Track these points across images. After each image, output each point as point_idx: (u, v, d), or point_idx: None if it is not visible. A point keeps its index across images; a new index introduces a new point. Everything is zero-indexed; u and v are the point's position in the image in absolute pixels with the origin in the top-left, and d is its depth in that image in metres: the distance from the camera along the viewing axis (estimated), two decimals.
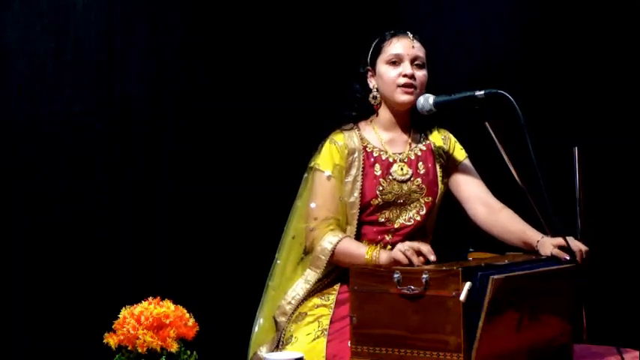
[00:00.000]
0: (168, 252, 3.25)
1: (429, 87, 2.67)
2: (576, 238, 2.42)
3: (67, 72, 3.13)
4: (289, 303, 2.63)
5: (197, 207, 3.31)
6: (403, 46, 2.67)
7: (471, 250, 2.53)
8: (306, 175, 2.72)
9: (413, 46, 2.67)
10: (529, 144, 2.33)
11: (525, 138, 2.33)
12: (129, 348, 2.08)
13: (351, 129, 2.71)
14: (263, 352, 2.61)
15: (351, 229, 2.64)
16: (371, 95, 2.71)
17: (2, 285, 3.01)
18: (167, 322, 2.09)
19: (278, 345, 2.59)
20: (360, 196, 2.63)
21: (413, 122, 2.74)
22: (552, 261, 2.36)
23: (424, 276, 2.12)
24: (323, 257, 2.58)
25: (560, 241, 2.40)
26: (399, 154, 2.70)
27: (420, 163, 2.70)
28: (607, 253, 2.69)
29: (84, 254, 3.13)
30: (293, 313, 2.61)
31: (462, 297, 2.06)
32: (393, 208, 2.65)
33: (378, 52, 2.70)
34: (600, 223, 3.42)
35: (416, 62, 2.66)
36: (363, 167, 2.65)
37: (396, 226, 2.65)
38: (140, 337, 2.06)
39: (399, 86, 2.64)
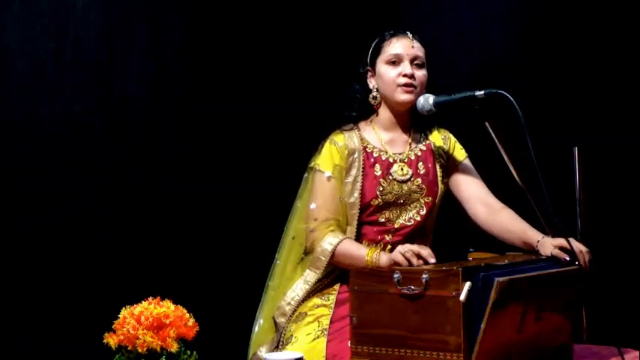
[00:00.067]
0: (168, 252, 3.25)
1: (429, 87, 2.67)
2: (576, 239, 2.42)
3: (67, 72, 3.13)
4: (289, 304, 2.63)
5: (197, 207, 3.31)
6: (403, 46, 2.67)
7: (471, 250, 2.53)
8: (306, 175, 2.72)
9: (412, 46, 2.67)
10: (529, 144, 2.33)
11: (525, 138, 2.33)
12: (129, 348, 2.08)
13: (351, 129, 2.71)
14: (263, 352, 2.61)
15: (351, 229, 2.64)
16: (371, 95, 2.71)
17: (2, 285, 3.01)
18: (167, 322, 2.09)
19: (278, 345, 2.59)
20: (360, 196, 2.63)
21: (413, 122, 2.74)
22: (552, 261, 2.36)
23: (424, 276, 2.12)
24: (323, 258, 2.58)
25: (560, 241, 2.40)
26: (399, 154, 2.70)
27: (420, 163, 2.70)
28: (607, 253, 2.69)
29: (84, 254, 3.13)
30: (293, 313, 2.61)
31: (462, 297, 2.06)
32: (393, 208, 2.65)
33: (377, 52, 2.70)
34: (600, 223, 3.42)
35: (415, 62, 2.66)
36: (363, 167, 2.65)
37: (396, 226, 2.65)
38: (140, 337, 2.06)
39: (399, 86, 2.64)
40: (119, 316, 2.11)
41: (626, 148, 3.56)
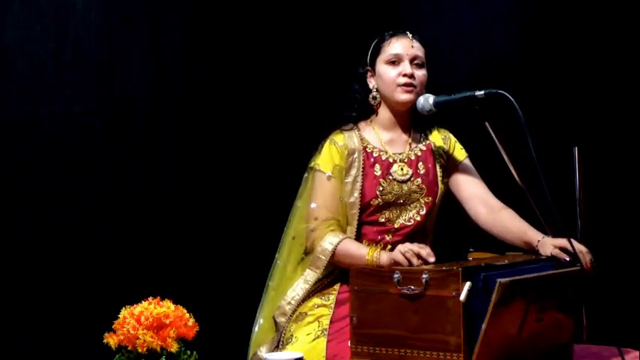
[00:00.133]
0: (168, 252, 3.25)
1: (429, 87, 2.67)
2: (576, 239, 2.42)
3: (67, 72, 3.13)
4: (289, 303, 2.63)
5: (197, 207, 3.31)
6: (402, 45, 2.67)
7: (471, 250, 2.53)
8: (306, 175, 2.72)
9: (412, 46, 2.67)
10: (529, 144, 2.32)
11: (526, 138, 2.33)
12: (129, 348, 2.08)
13: (351, 129, 2.71)
14: (263, 352, 2.61)
15: (352, 229, 2.64)
16: (371, 95, 2.71)
17: (2, 285, 3.01)
18: (167, 322, 2.09)
19: (278, 345, 2.59)
20: (360, 196, 2.63)
21: (413, 122, 2.75)
22: (552, 261, 2.36)
23: (424, 276, 2.12)
24: (323, 258, 2.58)
25: (561, 242, 2.40)
26: (399, 154, 2.70)
27: (420, 163, 2.70)
28: (607, 253, 2.69)
29: (84, 254, 3.13)
30: (293, 313, 2.61)
31: (462, 297, 2.06)
32: (393, 208, 2.65)
33: (377, 52, 2.70)
34: (600, 223, 3.42)
35: (415, 62, 2.66)
36: (363, 167, 2.65)
37: (396, 226, 2.65)
38: (140, 337, 2.06)
39: (398, 86, 2.64)
40: (119, 316, 2.12)
41: (626, 148, 3.56)
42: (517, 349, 2.16)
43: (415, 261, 2.31)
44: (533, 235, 2.52)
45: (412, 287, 2.13)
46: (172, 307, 2.14)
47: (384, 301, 2.17)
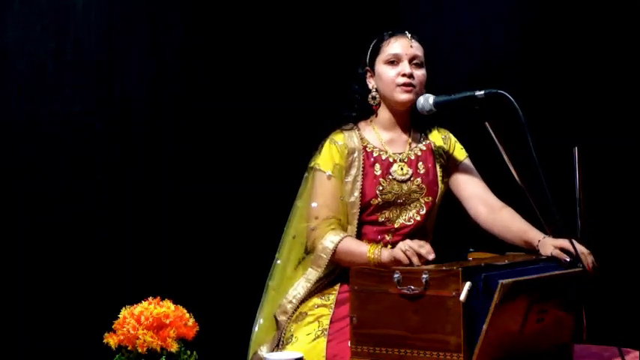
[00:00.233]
0: (169, 252, 3.25)
1: (428, 87, 2.67)
2: (576, 239, 2.42)
3: (67, 72, 3.13)
4: (290, 302, 2.63)
5: (197, 207, 3.31)
6: (401, 45, 2.67)
7: (471, 250, 2.53)
8: (306, 175, 2.72)
9: (411, 46, 2.67)
10: (530, 144, 2.32)
11: (526, 137, 2.33)
12: (129, 348, 2.08)
13: (351, 129, 2.71)
14: (263, 351, 2.61)
15: (352, 228, 2.64)
16: (370, 96, 2.71)
17: (2, 285, 3.01)
18: (167, 322, 2.09)
19: (278, 344, 2.59)
20: (360, 195, 2.63)
21: (413, 122, 2.75)
22: (553, 262, 2.36)
23: (424, 276, 2.12)
24: (324, 256, 2.58)
25: (561, 242, 2.40)
26: (399, 154, 2.70)
27: (420, 163, 2.70)
28: (607, 253, 2.69)
29: (84, 254, 3.13)
30: (294, 312, 2.61)
31: (462, 297, 2.06)
32: (393, 207, 2.65)
33: (376, 52, 2.70)
34: (600, 223, 3.42)
35: (414, 61, 2.66)
36: (363, 167, 2.65)
37: (396, 225, 2.65)
38: (140, 337, 2.06)
39: (398, 85, 2.64)
40: (119, 316, 2.11)
41: (626, 148, 3.56)
42: (517, 349, 2.16)
43: (415, 260, 2.31)
44: (533, 235, 2.52)
45: (412, 287, 2.13)
46: (172, 307, 2.14)
47: (384, 301, 2.17)
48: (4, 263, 3.02)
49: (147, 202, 3.25)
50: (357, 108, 2.73)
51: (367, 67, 2.73)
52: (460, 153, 2.77)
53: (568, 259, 2.35)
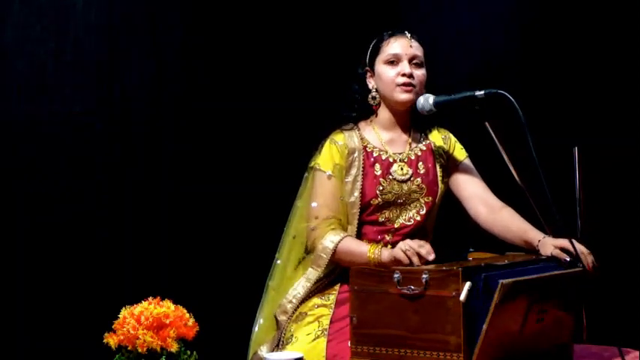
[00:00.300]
0: (169, 252, 3.25)
1: (428, 87, 2.67)
2: (577, 239, 2.42)
3: (67, 72, 3.13)
4: (290, 302, 2.63)
5: (197, 207, 3.31)
6: (401, 45, 2.67)
7: (471, 250, 2.53)
8: (306, 175, 2.72)
9: (411, 46, 2.67)
10: (530, 143, 2.32)
11: (526, 137, 2.33)
12: (129, 348, 2.08)
13: (351, 129, 2.71)
14: (264, 351, 2.61)
15: (352, 228, 2.64)
16: (370, 96, 2.71)
17: (2, 285, 3.01)
18: (167, 322, 2.09)
19: (278, 344, 2.59)
20: (361, 195, 2.63)
21: (413, 122, 2.75)
22: (553, 262, 2.36)
23: (424, 276, 2.12)
24: (324, 256, 2.58)
25: (561, 242, 2.40)
26: (399, 154, 2.70)
27: (420, 163, 2.70)
28: (607, 253, 2.69)
29: (84, 254, 3.13)
30: (294, 311, 2.61)
31: (462, 297, 2.06)
32: (393, 207, 2.65)
33: (376, 52, 2.71)
34: (600, 223, 3.42)
35: (414, 61, 2.66)
36: (363, 167, 2.65)
37: (396, 225, 2.65)
38: (140, 337, 2.06)
39: (398, 85, 2.64)
40: (119, 316, 2.11)
41: (626, 148, 3.56)
42: (517, 349, 2.16)
43: (416, 259, 2.31)
44: (533, 234, 2.52)
45: (412, 287, 2.13)
46: (172, 307, 2.14)
47: (384, 301, 2.17)
48: (4, 263, 3.02)
49: (147, 202, 3.25)
50: (357, 108, 2.73)
51: (367, 67, 2.73)
52: (460, 153, 2.77)
53: (568, 259, 2.34)
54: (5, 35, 3.05)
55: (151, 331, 2.07)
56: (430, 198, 2.68)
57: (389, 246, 2.58)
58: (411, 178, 2.67)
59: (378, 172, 2.65)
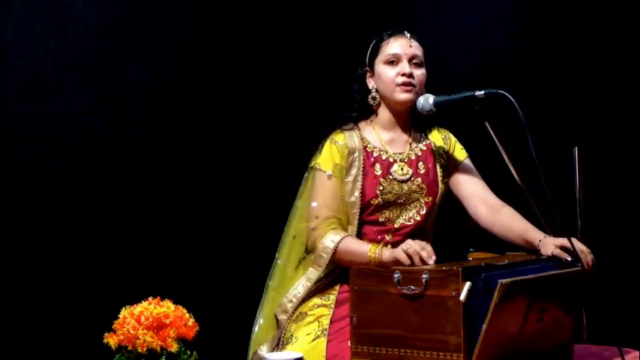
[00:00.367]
0: (169, 252, 3.25)
1: (428, 87, 2.67)
2: (576, 238, 2.42)
3: (67, 72, 3.13)
4: (290, 301, 2.63)
5: (197, 207, 3.31)
6: (400, 45, 2.67)
7: (471, 250, 2.53)
8: (306, 174, 2.72)
9: (410, 45, 2.67)
10: (530, 143, 2.32)
11: (526, 137, 2.33)
12: (129, 348, 2.08)
13: (352, 129, 2.71)
14: (264, 351, 2.61)
15: (352, 228, 2.64)
16: (370, 96, 2.71)
17: (2, 285, 3.01)
18: (167, 322, 2.09)
19: (278, 344, 2.59)
20: (361, 195, 2.63)
21: (413, 122, 2.75)
22: (553, 261, 2.36)
23: (424, 276, 2.12)
24: (325, 255, 2.58)
25: (562, 241, 2.40)
26: (400, 153, 2.70)
27: (421, 163, 2.70)
28: (607, 253, 2.69)
29: (84, 254, 3.13)
30: (294, 311, 2.61)
31: (462, 297, 2.06)
32: (394, 207, 2.65)
33: (375, 52, 2.71)
34: (600, 223, 3.42)
35: (414, 61, 2.66)
36: (363, 167, 2.65)
37: (396, 225, 2.65)
38: (140, 337, 2.06)
39: (397, 85, 2.64)
40: (119, 316, 2.11)
41: (626, 148, 3.56)
42: (517, 349, 2.16)
43: (417, 259, 2.31)
44: (534, 234, 2.52)
45: (412, 287, 2.13)
46: (172, 307, 2.14)
47: (384, 301, 2.17)
48: (4, 263, 3.02)
49: (147, 202, 3.24)
50: (357, 108, 2.74)
51: (367, 68, 2.73)
52: (460, 153, 2.77)
53: (569, 259, 2.34)
54: (5, 35, 3.04)
55: (151, 331, 2.07)
56: (430, 198, 2.68)
57: (389, 246, 2.59)
58: (412, 178, 2.67)
59: (379, 172, 2.65)
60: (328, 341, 2.49)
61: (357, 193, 2.64)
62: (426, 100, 2.62)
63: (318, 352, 2.47)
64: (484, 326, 2.03)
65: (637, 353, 2.48)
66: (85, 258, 3.13)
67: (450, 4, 3.86)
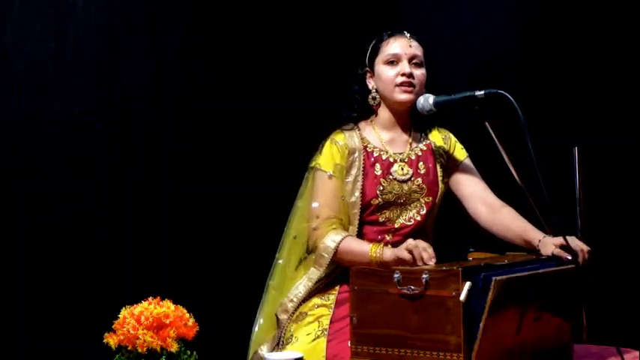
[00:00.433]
0: (169, 252, 3.25)
1: (428, 87, 2.67)
2: (577, 238, 2.42)
3: (67, 72, 3.13)
4: (291, 301, 2.63)
5: (197, 207, 3.31)
6: (400, 45, 2.67)
7: (471, 250, 2.53)
8: (307, 175, 2.72)
9: (410, 45, 2.67)
10: (529, 144, 2.33)
11: (525, 138, 2.33)
12: (129, 348, 2.08)
13: (352, 129, 2.71)
14: (264, 350, 2.61)
15: (353, 229, 2.64)
16: (370, 96, 2.71)
17: (2, 285, 3.01)
18: (167, 322, 2.09)
19: (278, 344, 2.59)
20: (361, 195, 2.63)
21: (413, 122, 2.75)
22: (553, 261, 2.36)
23: (424, 276, 2.12)
24: (326, 255, 2.58)
25: (562, 241, 2.40)
26: (400, 153, 2.70)
27: (421, 163, 2.70)
28: (607, 253, 2.69)
29: (84, 254, 3.13)
30: (294, 311, 2.61)
31: (462, 297, 2.06)
32: (394, 207, 2.65)
33: (375, 52, 2.71)
34: (600, 223, 3.42)
35: (414, 61, 2.66)
36: (363, 167, 2.65)
37: (396, 225, 2.65)
38: (140, 337, 2.06)
39: (397, 85, 2.64)
40: (119, 316, 2.11)
41: (626, 148, 3.56)
42: (517, 349, 2.16)
43: (419, 258, 2.31)
44: (534, 234, 2.52)
45: (412, 287, 2.13)
46: (172, 307, 2.14)
47: (384, 301, 2.17)
48: (4, 263, 3.02)
49: (147, 202, 3.24)
50: (357, 108, 2.74)
51: (367, 68, 2.73)
52: (460, 153, 2.77)
53: (570, 258, 2.34)
54: (5, 35, 3.05)
55: (151, 331, 2.07)
56: (430, 198, 2.68)
57: (389, 246, 2.58)
58: (412, 178, 2.67)
59: (379, 172, 2.65)
60: (328, 341, 2.49)
61: (357, 193, 2.64)
62: (426, 100, 2.62)
63: (318, 352, 2.47)
64: (481, 324, 2.03)
65: (637, 353, 2.47)
66: (85, 258, 3.13)
67: (450, 4, 3.86)
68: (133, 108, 3.26)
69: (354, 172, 2.65)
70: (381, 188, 2.64)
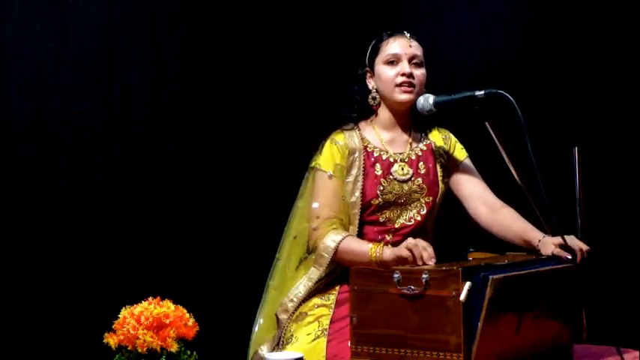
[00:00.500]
0: (169, 252, 3.25)
1: (429, 87, 2.67)
2: (577, 238, 2.42)
3: (67, 72, 3.13)
4: (291, 300, 2.63)
5: (197, 207, 3.31)
6: (400, 45, 2.67)
7: (471, 250, 2.53)
8: (307, 175, 2.72)
9: (410, 45, 2.67)
10: (528, 144, 2.33)
11: (525, 138, 2.33)
12: (129, 348, 2.08)
13: (352, 129, 2.71)
14: (264, 350, 2.61)
15: (353, 229, 2.64)
16: (370, 96, 2.71)
17: (2, 285, 3.01)
18: (167, 322, 2.09)
19: (279, 344, 2.59)
20: (361, 195, 2.63)
21: (413, 122, 2.75)
22: (553, 261, 2.36)
23: (424, 276, 2.12)
24: (326, 255, 2.58)
25: (561, 240, 2.40)
26: (400, 153, 2.70)
27: (421, 163, 2.70)
28: (607, 253, 2.69)
29: (84, 254, 3.13)
30: (294, 311, 2.61)
31: (462, 297, 2.06)
32: (394, 207, 2.65)
33: (375, 52, 2.71)
34: (600, 223, 3.42)
35: (414, 61, 2.66)
36: (363, 167, 2.65)
37: (396, 226, 2.65)
38: (140, 337, 2.06)
39: (397, 85, 2.64)
40: (119, 316, 2.11)
41: (626, 148, 3.56)
42: (516, 349, 2.16)
43: (419, 257, 2.31)
44: (534, 234, 2.52)
45: (412, 287, 2.13)
46: (172, 307, 2.14)
47: (384, 301, 2.17)
48: (4, 263, 3.02)
49: (147, 202, 3.24)
50: (357, 108, 2.73)
51: (367, 68, 2.73)
52: (460, 153, 2.78)
53: (570, 257, 2.35)
54: (5, 35, 3.05)
55: (151, 331, 2.07)
56: (431, 198, 2.68)
57: (389, 245, 2.58)
58: (412, 178, 2.67)
59: (379, 172, 2.65)
60: (328, 341, 2.49)
61: (357, 193, 2.64)
62: (426, 100, 2.62)
63: (318, 352, 2.47)
64: (479, 323, 2.03)
65: (637, 353, 2.47)
66: (85, 258, 3.13)
67: (450, 4, 3.86)
68: (133, 108, 3.26)
69: (354, 172, 2.65)
70: (382, 188, 2.64)
